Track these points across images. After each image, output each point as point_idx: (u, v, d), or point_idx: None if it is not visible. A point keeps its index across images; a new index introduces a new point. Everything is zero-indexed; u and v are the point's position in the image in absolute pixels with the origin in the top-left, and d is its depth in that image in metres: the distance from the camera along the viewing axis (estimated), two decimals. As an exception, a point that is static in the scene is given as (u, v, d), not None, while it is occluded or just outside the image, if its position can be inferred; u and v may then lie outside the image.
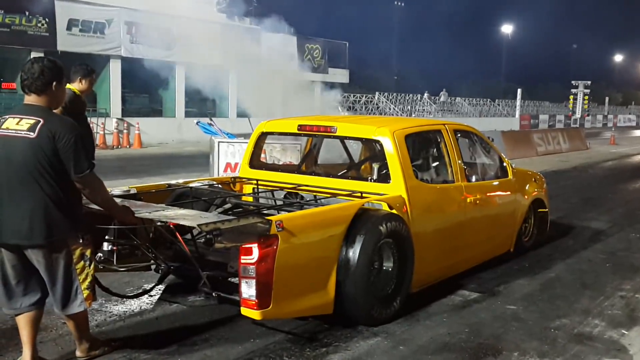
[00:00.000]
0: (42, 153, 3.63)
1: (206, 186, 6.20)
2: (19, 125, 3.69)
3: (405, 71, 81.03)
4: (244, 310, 4.32)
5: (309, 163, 6.77)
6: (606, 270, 7.07)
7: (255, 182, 6.31)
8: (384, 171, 5.69)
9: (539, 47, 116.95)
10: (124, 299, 5.42)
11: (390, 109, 38.38)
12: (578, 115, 50.90)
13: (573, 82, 53.08)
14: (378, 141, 5.74)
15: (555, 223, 9.03)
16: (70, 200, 3.79)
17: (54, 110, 3.95)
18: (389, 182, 5.56)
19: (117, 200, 4.59)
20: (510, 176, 7.21)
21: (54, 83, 3.82)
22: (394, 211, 5.26)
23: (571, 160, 21.05)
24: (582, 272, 6.95)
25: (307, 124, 6.30)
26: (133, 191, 5.44)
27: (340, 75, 34.61)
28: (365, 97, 37.88)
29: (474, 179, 6.50)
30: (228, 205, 5.85)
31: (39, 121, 3.67)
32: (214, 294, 4.69)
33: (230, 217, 4.41)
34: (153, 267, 5.26)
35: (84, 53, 22.01)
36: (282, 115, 7.64)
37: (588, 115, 54.07)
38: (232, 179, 6.60)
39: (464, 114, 43.29)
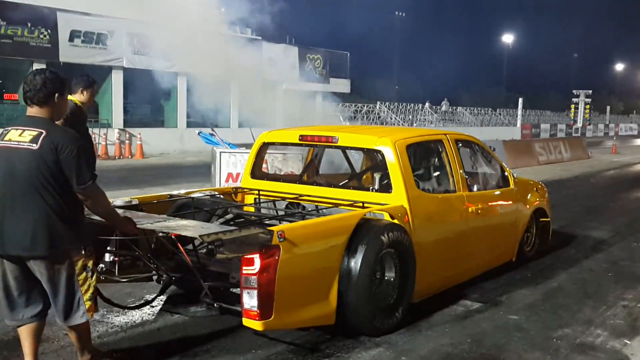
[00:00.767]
0: (44, 165, 3.65)
1: (208, 196, 6.20)
2: (21, 137, 3.71)
3: (406, 81, 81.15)
4: (246, 321, 4.32)
5: (311, 173, 6.78)
6: (608, 280, 7.06)
7: (257, 192, 6.32)
8: (386, 181, 5.69)
9: (540, 57, 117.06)
10: (126, 310, 5.42)
11: (391, 118, 38.42)
12: (579, 124, 50.92)
13: (574, 91, 53.14)
14: (379, 151, 5.75)
15: (557, 232, 9.02)
16: (72, 211, 3.80)
17: (56, 122, 3.97)
18: (390, 192, 5.57)
19: (119, 211, 4.60)
20: (511, 185, 7.21)
21: (56, 95, 3.84)
22: (395, 221, 5.26)
23: (573, 169, 21.04)
24: (584, 282, 6.93)
25: (308, 134, 6.31)
26: (135, 202, 5.44)
27: (342, 85, 34.68)
28: (367, 106, 37.94)
29: (475, 188, 6.51)
30: (230, 216, 5.85)
31: (42, 133, 3.69)
32: (215, 305, 4.69)
33: (232, 228, 4.41)
34: (154, 277, 5.26)
35: (86, 64, 22.08)
36: (282, 126, 7.65)
37: (589, 124, 54.10)
38: (234, 189, 6.60)
39: (466, 123, 43.31)
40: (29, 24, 21.15)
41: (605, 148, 34.06)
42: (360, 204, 5.54)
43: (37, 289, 3.90)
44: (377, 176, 5.98)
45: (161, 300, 5.72)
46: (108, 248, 4.83)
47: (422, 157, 6.42)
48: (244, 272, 4.23)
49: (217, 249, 4.47)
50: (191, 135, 21.06)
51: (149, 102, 26.31)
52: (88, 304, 3.92)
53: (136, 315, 5.43)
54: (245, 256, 4.25)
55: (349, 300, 4.78)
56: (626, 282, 6.97)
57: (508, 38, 68.60)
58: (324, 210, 5.71)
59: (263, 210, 6.28)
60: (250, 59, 16.14)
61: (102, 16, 22.67)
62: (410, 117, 40.03)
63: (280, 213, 5.96)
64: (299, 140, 6.35)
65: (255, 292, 4.20)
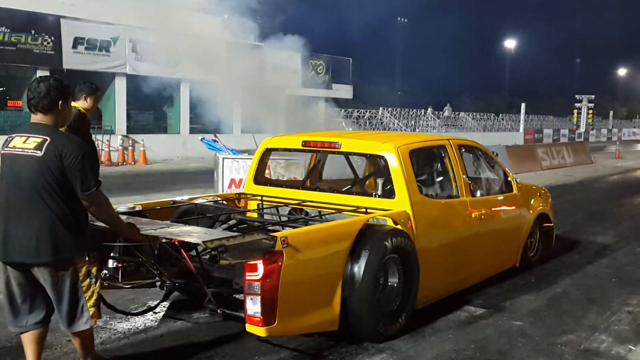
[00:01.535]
0: (48, 171, 3.66)
1: (211, 203, 6.20)
2: (25, 144, 3.72)
3: (409, 86, 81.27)
4: (249, 327, 4.31)
5: (314, 179, 6.77)
6: (612, 285, 7.04)
7: (259, 198, 6.32)
8: (389, 186, 5.69)
9: (542, 62, 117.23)
10: (129, 317, 5.42)
11: (394, 124, 38.42)
12: (582, 129, 50.92)
13: (577, 96, 53.19)
14: (382, 157, 5.74)
15: (561, 238, 9.00)
16: (76, 218, 3.80)
17: (60, 128, 3.98)
18: (393, 198, 5.56)
19: (123, 217, 4.60)
20: (515, 191, 7.20)
21: (60, 102, 3.86)
22: (398, 226, 5.26)
23: (576, 174, 21.01)
24: (588, 287, 6.91)
25: (311, 140, 6.32)
26: (138, 208, 5.45)
27: (344, 91, 34.75)
28: (369, 112, 37.96)
29: (478, 193, 6.50)
30: (233, 222, 5.85)
31: (46, 139, 3.70)
32: (219, 311, 4.68)
33: (235, 234, 4.41)
34: (158, 284, 5.26)
35: (89, 71, 22.15)
36: (285, 132, 7.66)
37: (592, 129, 54.12)
38: (237, 195, 6.60)
39: (468, 128, 43.29)
40: (33, 31, 21.24)
41: (608, 153, 34.03)
42: (364, 210, 5.54)
43: (40, 295, 3.90)
44: (380, 182, 5.98)
45: (164, 307, 5.72)
46: (112, 254, 4.84)
47: (425, 162, 6.41)
48: (248, 278, 4.23)
49: (220, 255, 4.46)
50: (194, 142, 21.12)
51: (152, 108, 26.37)
52: (92, 310, 3.92)
53: (139, 322, 5.42)
54: (249, 262, 4.24)
55: (352, 306, 4.78)
56: (630, 287, 6.95)
57: (510, 43, 68.61)
58: (327, 216, 5.70)
59: (266, 216, 6.27)
60: (253, 65, 16.17)
61: (105, 23, 22.75)
62: (413, 122, 40.03)
63: (283, 219, 5.96)
64: (302, 146, 6.35)
65: (259, 298, 4.20)
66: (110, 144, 22.02)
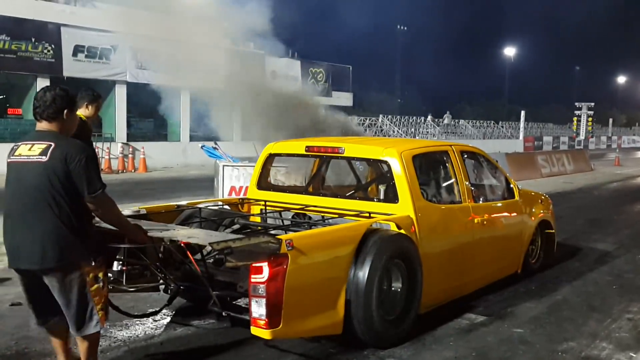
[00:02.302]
0: (54, 176, 3.68)
1: (214, 207, 6.22)
2: (31, 151, 3.76)
3: (408, 94, 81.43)
4: (254, 330, 4.32)
5: (317, 184, 6.78)
6: (613, 293, 7.03)
7: (263, 203, 6.33)
8: (392, 191, 5.69)
9: (542, 69, 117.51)
10: (129, 324, 5.41)
11: (394, 131, 38.48)
12: (582, 136, 50.97)
13: (576, 103, 53.30)
14: (386, 162, 5.76)
15: (561, 244, 8.99)
16: (82, 223, 3.81)
17: None
18: (396, 202, 5.57)
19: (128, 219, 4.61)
20: (516, 197, 7.20)
21: (66, 111, 3.89)
22: (402, 231, 5.26)
23: (576, 181, 21.01)
24: (588, 295, 6.91)
25: (314, 145, 6.34)
26: (143, 212, 5.48)
27: (344, 99, 34.80)
28: (369, 119, 38.03)
29: (480, 199, 6.51)
30: (237, 226, 5.88)
31: (50, 145, 3.74)
32: (224, 314, 4.68)
33: (241, 236, 4.43)
34: (162, 287, 5.26)
35: (89, 78, 22.19)
36: (286, 139, 7.66)
37: (592, 136, 54.19)
38: (240, 200, 6.63)
39: (468, 136, 43.35)
40: (33, 39, 21.30)
41: (608, 160, 34.05)
42: (367, 215, 5.55)
43: (53, 298, 3.92)
44: (383, 187, 5.99)
45: (165, 314, 5.71)
46: (117, 257, 4.84)
47: (428, 167, 6.43)
48: (253, 280, 4.24)
49: (226, 257, 4.46)
50: (194, 149, 21.12)
51: (152, 116, 26.39)
52: (100, 313, 3.93)
53: (139, 330, 5.41)
54: (254, 264, 4.25)
55: (356, 310, 4.78)
56: (631, 294, 6.95)
57: (510, 51, 68.75)
58: (330, 221, 5.71)
59: (269, 221, 6.29)
60: (253, 73, 16.21)
61: (105, 31, 22.80)
62: (413, 130, 40.10)
63: (287, 223, 5.97)
64: (305, 151, 6.37)
65: (264, 300, 4.21)
66: (110, 152, 22.04)
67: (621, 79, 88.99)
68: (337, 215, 5.75)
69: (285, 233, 5.14)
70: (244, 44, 20.08)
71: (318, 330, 4.75)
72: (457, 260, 6.05)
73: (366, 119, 37.79)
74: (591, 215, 13.20)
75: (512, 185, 7.22)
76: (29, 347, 4.91)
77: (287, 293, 4.28)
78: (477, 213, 6.26)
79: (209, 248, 4.72)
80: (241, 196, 8.17)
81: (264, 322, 4.24)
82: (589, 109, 51.86)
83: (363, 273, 4.78)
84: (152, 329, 5.45)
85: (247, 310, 4.39)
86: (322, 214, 5.93)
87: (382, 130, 37.94)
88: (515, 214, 7.20)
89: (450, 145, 6.48)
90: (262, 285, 4.20)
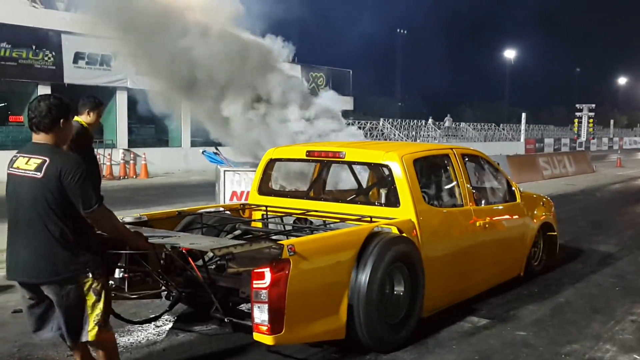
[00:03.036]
0: (49, 192, 3.66)
1: (216, 213, 6.22)
2: (27, 165, 3.74)
3: (409, 97, 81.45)
4: (257, 336, 4.31)
5: (318, 189, 6.78)
6: (616, 294, 7.02)
7: (264, 208, 6.33)
8: (393, 195, 5.70)
9: (542, 71, 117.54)
10: (131, 331, 5.40)
11: (395, 135, 38.48)
12: (583, 138, 50.92)
13: (577, 105, 53.22)
14: (387, 166, 5.76)
15: (564, 247, 8.98)
16: (78, 237, 3.78)
17: (63, 146, 3.98)
18: (398, 206, 5.57)
19: (128, 227, 4.60)
20: (518, 200, 7.20)
21: (62, 120, 3.86)
22: (404, 235, 5.25)
23: (578, 183, 20.99)
24: (591, 297, 6.89)
25: (315, 150, 6.34)
26: (144, 218, 5.48)
27: (345, 103, 34.75)
28: (370, 123, 38.02)
29: (482, 202, 6.50)
30: (238, 232, 5.88)
31: (45, 160, 3.71)
32: (226, 320, 4.68)
33: (243, 242, 4.42)
34: (164, 294, 5.26)
35: (90, 85, 22.20)
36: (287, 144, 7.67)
37: (593, 138, 54.16)
38: (241, 206, 6.62)
39: (469, 138, 43.33)
40: (34, 47, 21.31)
41: (609, 162, 34.02)
42: (368, 219, 5.55)
43: (52, 308, 3.91)
44: (384, 191, 6.00)
45: (167, 320, 5.70)
46: (118, 264, 4.84)
47: (430, 171, 6.43)
48: (255, 286, 4.24)
49: (227, 263, 4.46)
50: (195, 155, 21.10)
51: (153, 122, 26.37)
52: (91, 325, 3.88)
53: (141, 336, 5.40)
54: (256, 270, 4.25)
55: (358, 314, 4.78)
56: (634, 296, 6.93)
57: (510, 53, 68.78)
58: (332, 225, 5.71)
59: (271, 226, 6.28)
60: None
61: (106, 38, 22.80)
62: (414, 133, 40.08)
63: (288, 228, 5.96)
64: (306, 156, 6.37)
65: (266, 306, 4.20)
66: (111, 158, 22.06)
67: (622, 80, 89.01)
68: (338, 220, 5.75)
69: (287, 238, 5.14)
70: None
71: (321, 335, 4.74)
72: (459, 264, 6.05)
73: (367, 123, 37.79)
74: (593, 217, 13.19)
75: (513, 188, 7.21)
76: (31, 354, 4.91)
77: (290, 298, 4.27)
78: (479, 216, 6.26)
79: (210, 254, 4.72)
80: (242, 201, 8.16)
81: (267, 327, 4.23)
82: (590, 110, 51.80)
83: (365, 277, 4.78)
84: (154, 335, 5.44)
85: (249, 315, 4.38)
86: (324, 219, 5.93)
87: (383, 134, 37.94)
88: (517, 216, 7.19)
89: (451, 149, 6.48)
90: (264, 291, 4.20)
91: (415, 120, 41.55)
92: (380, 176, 6.49)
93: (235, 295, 4.82)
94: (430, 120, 42.75)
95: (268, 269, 4.22)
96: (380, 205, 5.83)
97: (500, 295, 6.75)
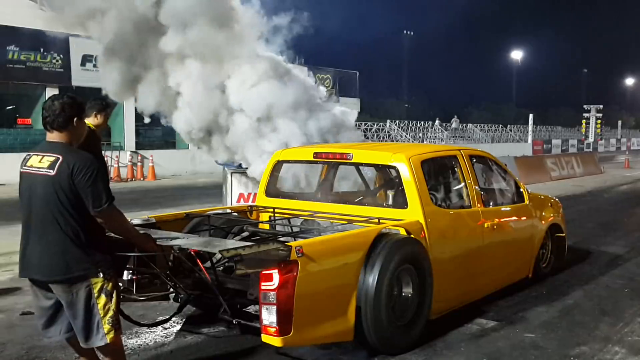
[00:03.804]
0: (61, 190, 3.68)
1: (223, 215, 6.23)
2: (40, 163, 3.77)
3: (416, 99, 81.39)
4: (265, 337, 4.30)
5: (325, 190, 6.78)
6: (625, 296, 6.98)
7: (272, 210, 6.33)
8: (401, 197, 5.68)
9: (550, 72, 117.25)
10: (140, 333, 5.41)
11: (401, 136, 38.46)
12: (591, 139, 50.76)
13: (585, 106, 53.07)
14: (394, 167, 5.75)
15: (572, 248, 8.94)
16: (90, 236, 3.80)
17: (75, 145, 4.00)
18: (406, 208, 5.56)
19: (137, 228, 4.61)
20: (526, 201, 7.17)
21: (75, 119, 3.90)
22: (412, 236, 5.24)
23: (586, 184, 20.92)
24: (600, 298, 6.86)
25: (323, 152, 6.34)
26: (152, 220, 5.49)
27: (352, 105, 34.75)
28: (377, 125, 38.02)
29: (490, 204, 6.48)
30: (246, 234, 5.87)
31: (58, 158, 3.74)
32: (234, 322, 4.68)
33: (251, 244, 4.42)
34: (172, 296, 5.26)
35: (98, 88, 22.18)
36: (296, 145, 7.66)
37: (601, 139, 53.97)
38: (249, 207, 6.62)
39: (476, 140, 43.26)
40: (42, 49, 21.43)
41: (617, 163, 33.89)
42: (376, 220, 5.54)
43: (62, 308, 3.93)
44: (392, 192, 5.98)
45: (175, 322, 5.71)
46: (127, 266, 4.85)
47: (437, 172, 6.41)
48: (263, 287, 4.24)
49: (235, 265, 4.46)
50: (202, 157, 21.14)
51: (160, 124, 26.42)
52: (107, 327, 3.89)
53: (149, 338, 5.41)
54: (264, 272, 4.25)
55: (367, 316, 4.77)
56: (643, 298, 6.89)
57: (517, 54, 68.63)
58: (340, 227, 5.70)
59: (278, 228, 6.28)
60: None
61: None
62: (421, 134, 40.07)
63: (296, 230, 5.96)
64: (314, 157, 6.37)
65: (274, 307, 4.20)
66: (119, 160, 22.14)
67: (630, 81, 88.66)
68: (346, 222, 5.75)
69: (295, 240, 5.14)
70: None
71: (329, 337, 4.73)
72: (467, 265, 6.03)
73: (374, 124, 37.78)
74: (601, 219, 13.13)
75: (521, 189, 7.19)
76: (39, 357, 4.92)
77: (298, 300, 4.27)
78: (487, 217, 6.24)
79: (218, 256, 4.72)
80: (250, 203, 8.16)
81: (275, 329, 4.23)
82: (598, 111, 51.67)
83: (373, 279, 4.77)
84: (162, 337, 5.45)
85: (257, 317, 4.38)
86: (331, 221, 5.93)
87: (389, 136, 37.92)
88: (525, 217, 7.16)
89: (459, 150, 6.47)
90: (272, 293, 4.20)
91: (422, 122, 41.53)
92: (388, 177, 6.48)
93: (243, 297, 4.82)
94: (437, 122, 42.71)
95: (276, 271, 4.21)
96: (388, 206, 5.81)
97: (508, 297, 6.72)
